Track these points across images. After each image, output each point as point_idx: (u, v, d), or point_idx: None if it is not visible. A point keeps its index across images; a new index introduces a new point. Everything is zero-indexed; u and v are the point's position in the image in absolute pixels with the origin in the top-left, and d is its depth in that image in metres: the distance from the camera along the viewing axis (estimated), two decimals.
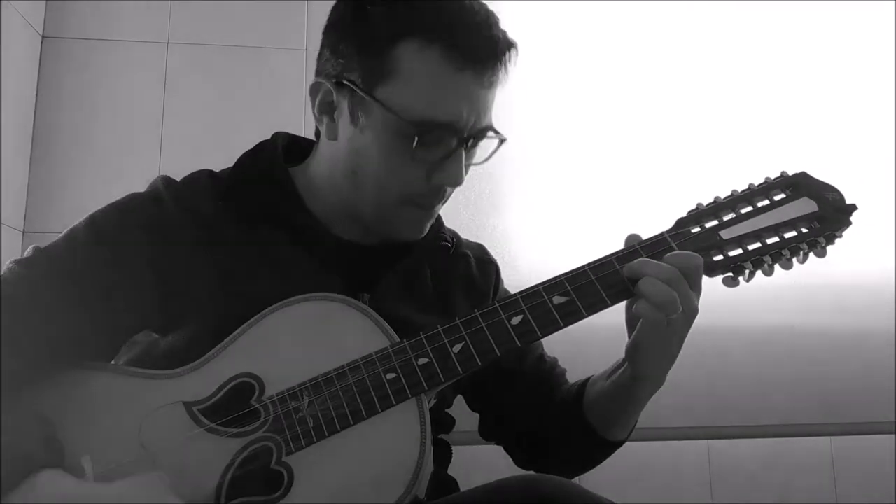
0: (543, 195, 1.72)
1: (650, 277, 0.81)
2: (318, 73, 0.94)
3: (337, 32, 0.91)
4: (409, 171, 0.88)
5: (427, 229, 0.96)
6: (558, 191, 1.72)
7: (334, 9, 0.94)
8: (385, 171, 0.89)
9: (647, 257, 0.85)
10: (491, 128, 0.92)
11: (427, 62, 0.85)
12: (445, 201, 0.95)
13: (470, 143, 0.91)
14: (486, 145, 0.94)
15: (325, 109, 0.93)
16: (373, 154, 0.89)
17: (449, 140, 0.88)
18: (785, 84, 1.85)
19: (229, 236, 0.91)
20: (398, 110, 0.85)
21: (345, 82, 0.89)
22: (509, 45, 0.88)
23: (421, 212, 0.94)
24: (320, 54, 0.94)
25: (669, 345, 0.86)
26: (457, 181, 0.90)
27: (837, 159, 1.76)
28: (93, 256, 0.85)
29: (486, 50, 0.86)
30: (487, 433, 1.12)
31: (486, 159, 0.96)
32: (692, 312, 0.83)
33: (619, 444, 1.01)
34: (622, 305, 0.88)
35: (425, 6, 0.86)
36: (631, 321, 0.89)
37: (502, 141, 0.94)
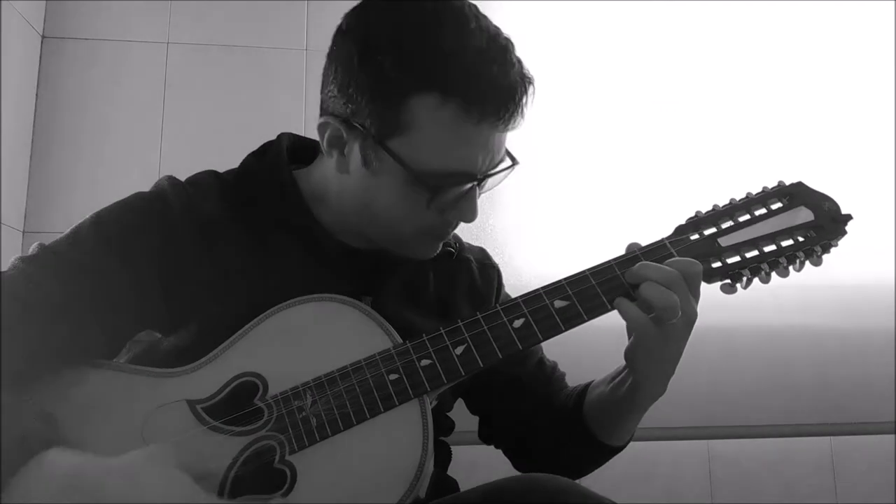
0: (543, 197, 1.72)
1: (652, 282, 0.81)
2: (323, 110, 0.90)
3: (344, 73, 0.86)
4: (423, 214, 0.88)
5: (440, 249, 0.96)
6: (558, 194, 1.73)
7: (339, 43, 0.88)
8: (399, 213, 0.88)
9: None
10: (504, 157, 0.90)
11: (444, 118, 0.82)
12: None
13: (483, 182, 0.89)
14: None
15: (335, 144, 0.89)
16: (386, 197, 0.88)
17: (464, 184, 0.87)
18: (784, 88, 1.85)
19: (233, 237, 0.91)
20: (412, 163, 0.83)
21: (356, 125, 0.86)
22: (527, 86, 0.85)
23: (436, 241, 0.94)
24: (325, 87, 0.90)
25: (668, 350, 0.86)
26: (471, 218, 0.89)
27: (838, 160, 1.77)
28: (98, 254, 0.85)
29: (504, 100, 0.82)
30: (487, 436, 1.12)
31: (496, 184, 0.93)
32: (692, 317, 0.84)
33: (619, 449, 1.01)
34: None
35: (438, 56, 0.82)
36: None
37: (514, 165, 0.91)
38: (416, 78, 0.81)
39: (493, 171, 0.88)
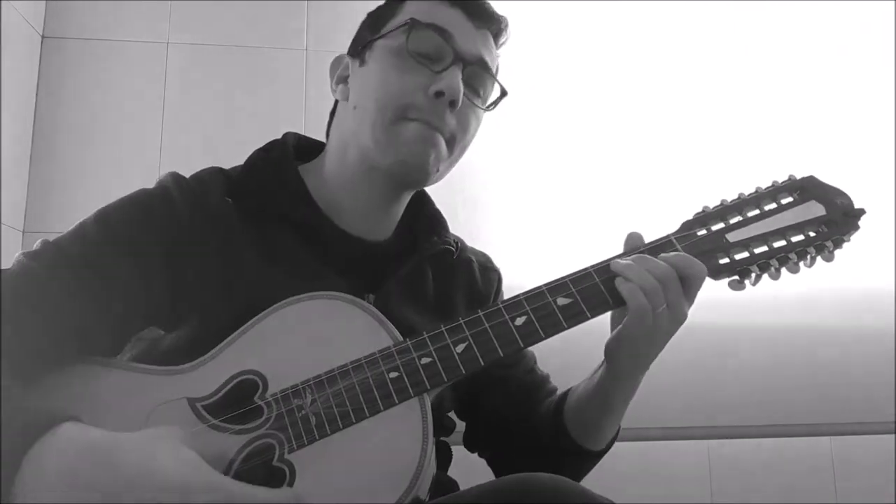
0: (544, 199, 1.72)
1: (628, 281, 0.81)
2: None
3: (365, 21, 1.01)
4: (406, 80, 0.91)
5: (431, 158, 0.93)
6: (560, 194, 1.72)
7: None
8: (384, 83, 0.93)
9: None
10: (490, 69, 0.96)
11: (426, 2, 0.94)
12: (449, 137, 0.94)
13: (467, 69, 0.93)
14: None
15: (340, 80, 1.01)
16: (374, 78, 0.94)
17: (444, 49, 0.92)
18: (787, 85, 1.85)
19: (237, 234, 0.91)
20: (399, 23, 0.93)
21: (360, 44, 0.98)
22: (500, 16, 0.99)
23: (421, 127, 0.91)
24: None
25: (652, 347, 0.86)
26: (452, 90, 0.90)
27: (837, 159, 1.77)
28: (102, 250, 0.85)
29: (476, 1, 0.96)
30: (471, 444, 1.12)
31: (490, 106, 1.00)
32: (681, 318, 0.83)
33: (598, 455, 1.00)
34: None
35: None
36: (616, 317, 0.89)
37: (504, 93, 0.99)
38: None
39: (478, 62, 0.94)
